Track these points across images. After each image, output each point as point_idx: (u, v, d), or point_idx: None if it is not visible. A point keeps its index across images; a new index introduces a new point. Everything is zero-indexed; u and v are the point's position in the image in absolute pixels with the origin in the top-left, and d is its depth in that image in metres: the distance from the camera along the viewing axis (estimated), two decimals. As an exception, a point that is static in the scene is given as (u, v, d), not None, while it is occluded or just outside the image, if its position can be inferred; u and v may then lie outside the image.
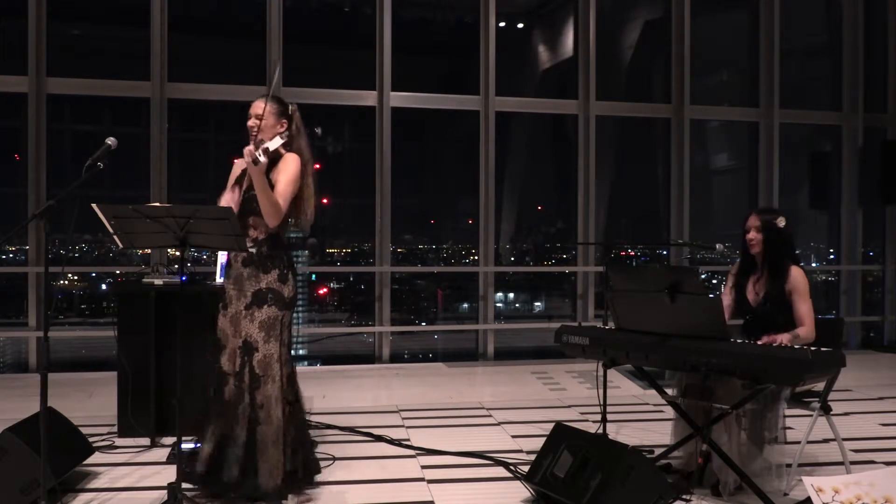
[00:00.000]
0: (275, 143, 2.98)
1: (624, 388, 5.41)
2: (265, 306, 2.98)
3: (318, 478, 3.34)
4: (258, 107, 3.07)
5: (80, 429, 3.42)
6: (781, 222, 3.28)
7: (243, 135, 3.07)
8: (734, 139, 7.97)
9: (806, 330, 3.18)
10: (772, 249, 3.29)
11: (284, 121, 3.12)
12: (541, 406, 4.88)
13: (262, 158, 2.82)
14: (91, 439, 3.52)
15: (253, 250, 3.02)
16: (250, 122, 3.07)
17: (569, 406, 4.90)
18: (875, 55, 7.50)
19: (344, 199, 7.48)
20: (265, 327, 2.97)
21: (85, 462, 3.36)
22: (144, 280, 4.02)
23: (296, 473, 3.06)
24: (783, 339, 3.04)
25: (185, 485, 2.84)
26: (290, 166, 3.03)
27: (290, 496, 3.06)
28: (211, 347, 3.06)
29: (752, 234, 3.31)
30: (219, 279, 4.00)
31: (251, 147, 2.85)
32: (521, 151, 7.58)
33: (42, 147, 5.94)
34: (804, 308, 3.22)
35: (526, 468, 3.27)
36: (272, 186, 2.96)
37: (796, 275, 3.25)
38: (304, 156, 3.11)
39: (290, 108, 3.16)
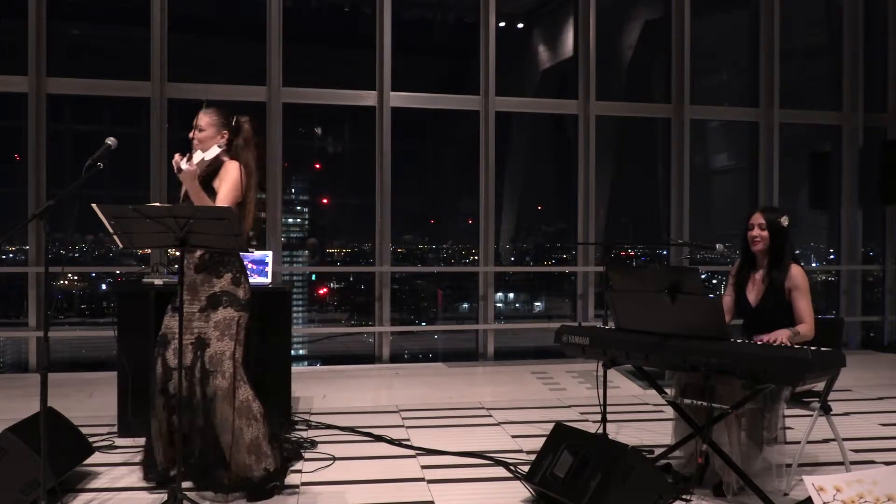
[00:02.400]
0: (210, 154, 3.07)
1: (624, 388, 5.41)
2: (220, 308, 3.06)
3: (319, 478, 3.36)
4: (199, 118, 3.17)
5: (80, 429, 3.41)
6: (785, 221, 3.31)
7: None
8: (734, 139, 7.97)
9: (806, 327, 3.19)
10: (775, 248, 3.30)
11: (225, 132, 3.19)
12: (541, 406, 4.88)
13: (185, 166, 2.93)
14: (91, 439, 3.51)
15: (206, 256, 3.09)
16: (190, 134, 3.17)
17: (569, 406, 4.90)
18: (875, 55, 7.50)
19: (344, 199, 7.48)
20: (220, 327, 3.05)
21: (85, 462, 3.36)
22: (144, 280, 4.02)
23: (280, 469, 3.18)
24: (783, 336, 3.05)
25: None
26: (230, 173, 3.11)
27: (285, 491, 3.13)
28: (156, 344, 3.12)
29: (755, 232, 3.32)
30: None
31: (178, 156, 2.96)
32: (521, 151, 7.58)
33: (42, 147, 5.94)
34: (804, 305, 3.22)
35: (526, 468, 3.27)
36: (214, 194, 3.06)
37: (796, 273, 3.26)
38: (249, 168, 3.19)
39: (234, 119, 3.22)
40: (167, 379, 3.06)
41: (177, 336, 2.98)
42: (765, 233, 3.30)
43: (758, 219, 3.33)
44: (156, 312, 3.89)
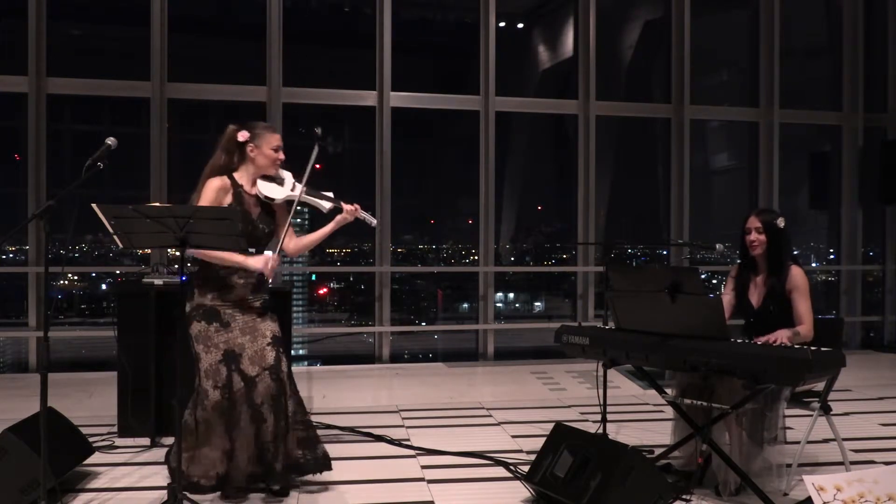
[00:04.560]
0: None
1: (624, 388, 5.41)
2: (273, 312, 3.17)
3: (319, 478, 3.36)
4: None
5: (80, 429, 3.41)
6: (781, 223, 3.28)
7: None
8: (734, 139, 7.97)
9: (806, 328, 3.19)
10: (773, 250, 3.28)
11: None
12: (541, 406, 4.88)
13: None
14: (91, 439, 3.51)
15: (259, 276, 3.13)
16: (281, 156, 3.24)
17: (569, 406, 4.90)
18: (875, 55, 7.49)
19: (344, 200, 7.47)
20: (279, 325, 3.16)
21: (85, 462, 3.36)
22: (144, 280, 4.02)
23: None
24: (783, 335, 3.05)
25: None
26: None
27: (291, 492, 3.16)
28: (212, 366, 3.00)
29: (753, 236, 3.30)
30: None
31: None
32: (521, 151, 7.58)
33: (42, 147, 5.94)
34: (804, 307, 3.22)
35: (526, 468, 3.27)
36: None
37: (797, 274, 3.26)
38: None
39: None
40: (251, 390, 2.98)
41: (246, 347, 3.02)
42: (762, 237, 3.29)
43: (754, 223, 3.30)
44: (156, 312, 3.90)
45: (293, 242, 3.30)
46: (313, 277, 7.31)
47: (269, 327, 3.09)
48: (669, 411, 3.46)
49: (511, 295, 7.84)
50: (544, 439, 3.14)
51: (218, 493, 3.02)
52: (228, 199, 3.07)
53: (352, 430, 4.19)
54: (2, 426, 3.00)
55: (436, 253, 7.59)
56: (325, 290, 7.43)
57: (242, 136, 3.12)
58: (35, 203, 5.84)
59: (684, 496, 3.02)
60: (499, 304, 7.28)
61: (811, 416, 3.25)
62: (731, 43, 7.86)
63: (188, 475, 2.98)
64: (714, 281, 7.43)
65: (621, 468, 2.71)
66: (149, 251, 5.94)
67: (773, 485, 3.08)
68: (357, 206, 3.25)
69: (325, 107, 6.70)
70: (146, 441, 3.85)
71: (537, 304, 7.93)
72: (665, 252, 7.35)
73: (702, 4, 7.12)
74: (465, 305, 7.31)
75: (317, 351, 6.97)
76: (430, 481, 3.35)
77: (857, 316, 7.42)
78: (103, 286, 6.93)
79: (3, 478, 2.83)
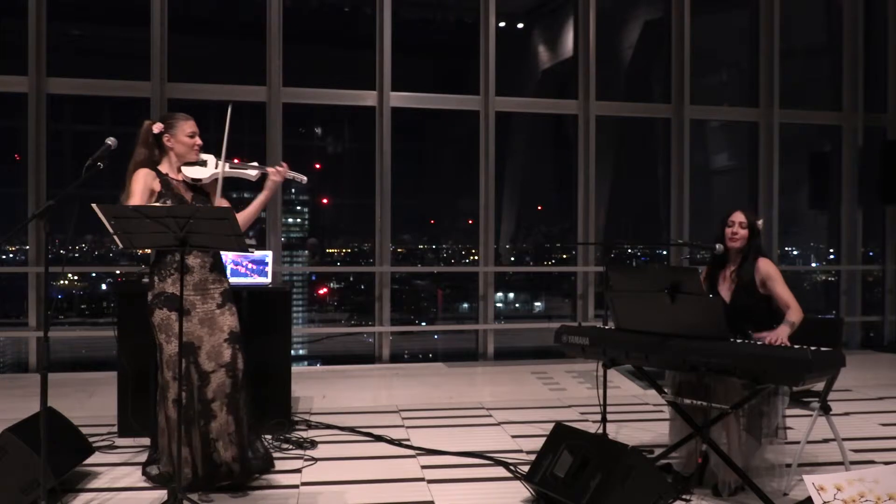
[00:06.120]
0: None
1: (624, 388, 5.41)
2: (233, 303, 3.16)
3: (319, 478, 3.36)
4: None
5: (80, 429, 3.42)
6: (761, 224, 3.46)
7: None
8: (734, 139, 7.97)
9: (794, 311, 3.22)
10: (749, 247, 3.36)
11: None
12: (541, 406, 4.88)
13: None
14: (91, 439, 3.51)
15: (217, 255, 3.18)
16: (199, 141, 3.23)
17: (569, 406, 4.90)
18: (875, 55, 7.49)
19: (344, 199, 7.48)
20: (238, 319, 3.16)
21: (85, 462, 3.36)
22: (144, 280, 4.01)
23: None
24: (783, 334, 3.06)
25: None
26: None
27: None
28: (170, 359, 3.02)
29: (736, 229, 3.38)
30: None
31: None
32: (521, 151, 7.58)
33: (42, 147, 5.94)
34: (784, 292, 3.27)
35: (526, 468, 3.27)
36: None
37: (765, 264, 3.32)
38: None
39: None
40: (204, 385, 3.02)
41: (204, 340, 3.04)
42: (744, 231, 3.37)
43: (739, 217, 3.41)
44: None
45: None
46: (313, 277, 7.31)
47: (227, 322, 3.10)
48: (669, 411, 3.46)
49: (511, 295, 7.84)
50: (544, 439, 3.14)
51: (198, 493, 3.02)
52: (157, 186, 3.08)
53: (352, 430, 4.19)
54: (2, 426, 3.00)
55: (436, 253, 7.60)
56: (325, 290, 7.43)
57: (157, 127, 3.16)
58: (35, 203, 5.84)
59: (684, 496, 3.02)
60: (499, 304, 7.28)
61: (811, 416, 3.25)
62: (731, 43, 7.86)
63: (167, 476, 3.02)
64: (714, 281, 7.42)
65: (621, 468, 2.71)
66: (148, 251, 5.93)
67: (773, 484, 3.08)
68: (285, 166, 3.22)
69: (325, 107, 6.70)
70: (146, 441, 3.84)
71: (537, 304, 7.93)
72: (665, 252, 7.35)
73: (702, 4, 7.12)
74: (465, 305, 7.31)
75: (317, 351, 6.98)
76: (430, 481, 3.35)
77: (857, 316, 7.42)
78: (103, 286, 6.93)
79: (3, 478, 2.83)
